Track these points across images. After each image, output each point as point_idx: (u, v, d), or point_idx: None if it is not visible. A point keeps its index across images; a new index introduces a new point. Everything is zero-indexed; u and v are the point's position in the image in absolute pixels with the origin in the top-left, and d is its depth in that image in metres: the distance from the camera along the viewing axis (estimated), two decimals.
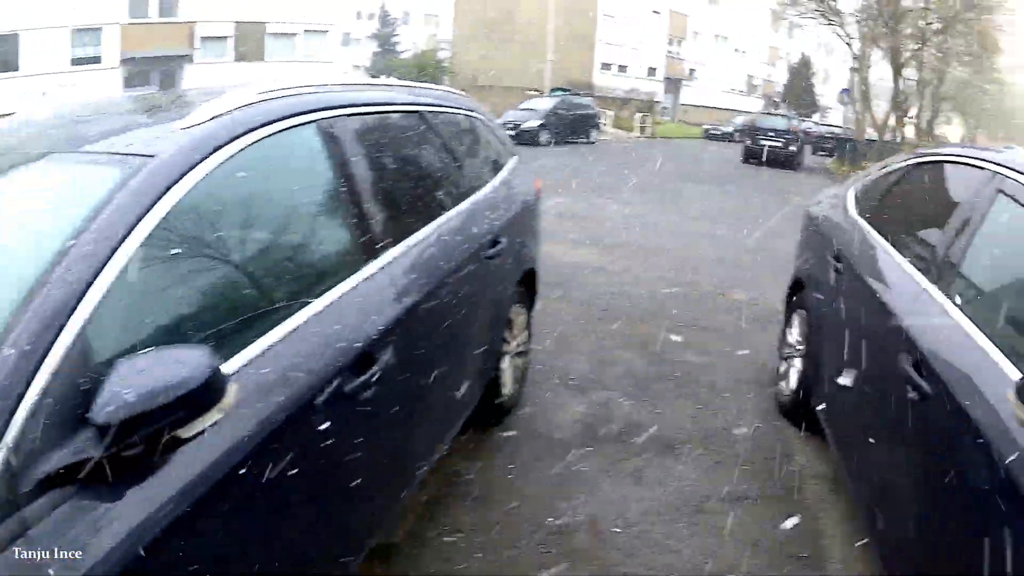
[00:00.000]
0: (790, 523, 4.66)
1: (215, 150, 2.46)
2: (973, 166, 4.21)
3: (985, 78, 65.34)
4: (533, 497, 4.67)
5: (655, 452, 5.35)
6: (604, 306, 8.64)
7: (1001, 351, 2.95)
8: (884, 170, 5.81)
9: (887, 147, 39.43)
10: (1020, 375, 2.51)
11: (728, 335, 8.07)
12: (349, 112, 3.37)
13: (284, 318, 2.52)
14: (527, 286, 5.87)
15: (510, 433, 5.43)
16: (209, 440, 1.97)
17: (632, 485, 4.94)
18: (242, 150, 2.58)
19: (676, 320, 8.37)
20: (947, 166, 4.87)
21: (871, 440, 4.03)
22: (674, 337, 7.74)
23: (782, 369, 6.46)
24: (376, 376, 2.85)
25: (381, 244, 3.24)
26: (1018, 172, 3.60)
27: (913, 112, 57.72)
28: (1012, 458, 2.49)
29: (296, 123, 2.94)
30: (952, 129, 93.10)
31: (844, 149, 41.04)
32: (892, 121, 45.51)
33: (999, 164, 3.86)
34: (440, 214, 4.07)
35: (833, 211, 6.17)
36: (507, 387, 5.47)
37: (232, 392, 2.00)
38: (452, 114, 5.00)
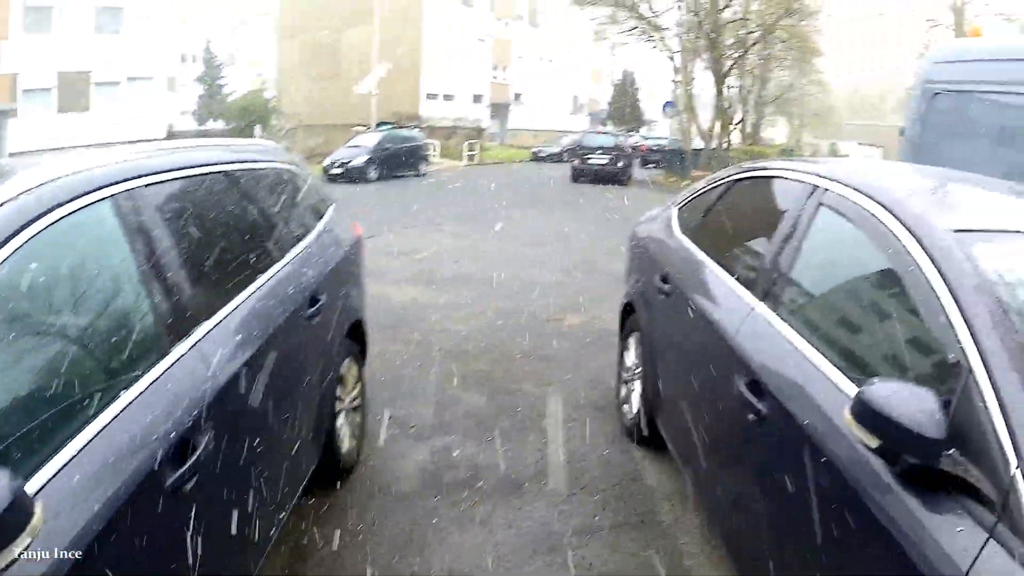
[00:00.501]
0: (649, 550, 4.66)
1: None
2: (794, 180, 4.29)
3: (806, 80, 68.17)
4: (385, 556, 4.52)
5: (504, 493, 5.25)
6: (439, 345, 8.51)
7: (834, 366, 3.00)
8: (705, 188, 5.85)
9: (714, 155, 40.62)
10: (855, 391, 2.52)
11: (566, 362, 8.06)
12: (148, 182, 3.15)
13: (92, 417, 2.34)
14: (355, 338, 5.73)
15: (354, 491, 5.25)
16: (20, 571, 1.79)
17: (484, 531, 4.83)
18: (31, 239, 2.39)
19: (513, 352, 8.33)
20: (768, 181, 4.95)
21: (716, 460, 4.07)
22: (513, 370, 7.70)
23: (623, 392, 6.47)
24: (198, 464, 2.69)
25: (191, 320, 3.06)
26: (839, 184, 3.69)
27: (738, 118, 59.58)
28: (852, 475, 2.55)
29: (90, 201, 2.74)
30: (778, 131, 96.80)
31: (672, 160, 41.97)
32: (718, 129, 46.78)
33: (820, 176, 3.94)
34: (255, 279, 3.89)
35: (658, 231, 6.20)
36: (345, 444, 5.27)
37: (39, 511, 1.83)
38: (261, 169, 4.79)
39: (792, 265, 3.81)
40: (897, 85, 72.54)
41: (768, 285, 3.90)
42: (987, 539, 2.05)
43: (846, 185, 3.63)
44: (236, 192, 4.24)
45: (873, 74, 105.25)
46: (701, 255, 5.05)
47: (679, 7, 42.55)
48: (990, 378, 2.30)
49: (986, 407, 2.25)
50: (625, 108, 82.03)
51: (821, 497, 2.79)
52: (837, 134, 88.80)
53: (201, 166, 3.86)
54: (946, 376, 2.48)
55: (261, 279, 3.97)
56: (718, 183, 5.63)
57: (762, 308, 3.80)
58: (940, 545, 2.13)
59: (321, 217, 5.64)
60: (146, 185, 3.14)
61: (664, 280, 5.42)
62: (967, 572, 2.02)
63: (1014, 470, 2.08)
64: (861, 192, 3.46)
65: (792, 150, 76.66)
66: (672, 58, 45.48)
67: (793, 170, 4.44)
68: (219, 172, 4.08)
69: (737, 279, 4.33)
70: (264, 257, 4.23)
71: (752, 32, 45.96)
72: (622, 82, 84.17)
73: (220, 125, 73.36)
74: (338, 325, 5.11)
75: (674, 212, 6.15)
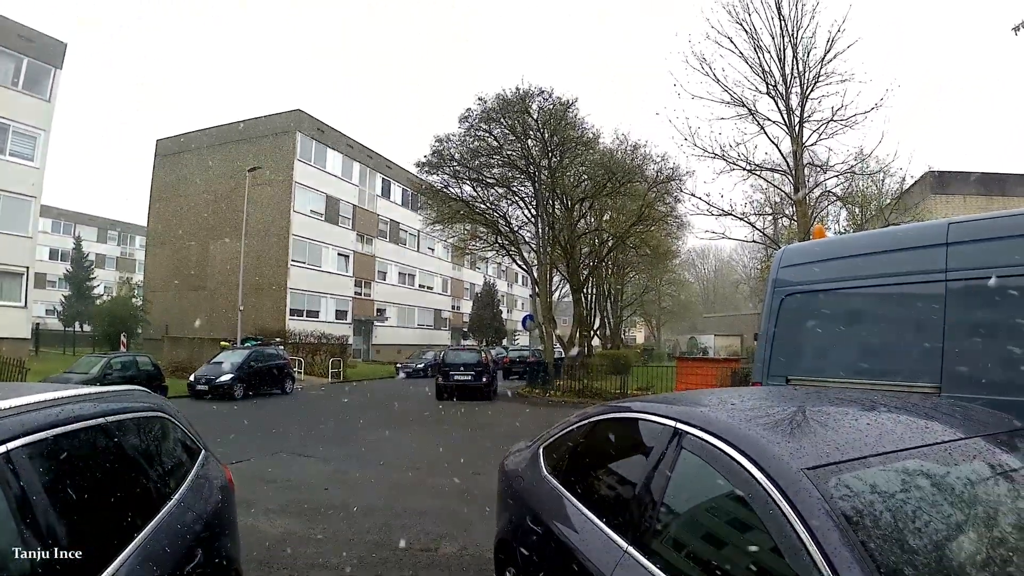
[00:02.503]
0: None
1: None
2: (654, 423, 4.46)
3: (662, 280, 70.37)
4: None
5: None
6: None
7: None
8: (569, 428, 6.00)
9: (576, 363, 41.17)
10: None
11: None
12: (26, 442, 3.21)
13: None
14: None
15: None
16: None
17: None
18: None
19: None
20: (629, 423, 5.11)
21: None
22: None
23: None
24: None
25: None
26: (697, 428, 3.91)
27: (597, 324, 60.85)
28: None
29: None
30: (638, 331, 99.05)
31: (534, 372, 42.34)
32: (578, 336, 47.56)
33: (679, 421, 4.15)
34: (133, 538, 3.87)
35: (526, 470, 6.32)
36: None
37: None
38: (134, 419, 4.77)
39: (658, 508, 4.00)
40: (750, 272, 75.41)
41: (637, 528, 4.05)
42: None
43: (703, 430, 3.86)
44: (111, 447, 4.24)
45: (723, 266, 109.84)
46: (570, 497, 5.18)
47: (535, 222, 43.74)
48: None
49: None
50: (487, 320, 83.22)
51: None
52: (695, 328, 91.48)
53: (77, 420, 3.85)
54: None
55: (139, 539, 3.94)
56: (581, 423, 5.80)
57: (633, 551, 3.94)
58: None
59: (194, 462, 5.63)
60: (24, 446, 3.17)
61: (535, 522, 5.50)
62: None
63: None
64: (718, 436, 3.70)
65: (652, 349, 78.50)
66: (530, 271, 46.46)
67: (653, 413, 4.62)
68: (95, 426, 4.07)
69: (606, 522, 4.46)
70: (142, 513, 4.21)
71: (606, 241, 47.54)
72: (483, 294, 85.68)
73: (86, 328, 72.08)
74: None
75: (540, 451, 6.28)
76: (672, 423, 4.22)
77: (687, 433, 4.00)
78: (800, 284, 7.61)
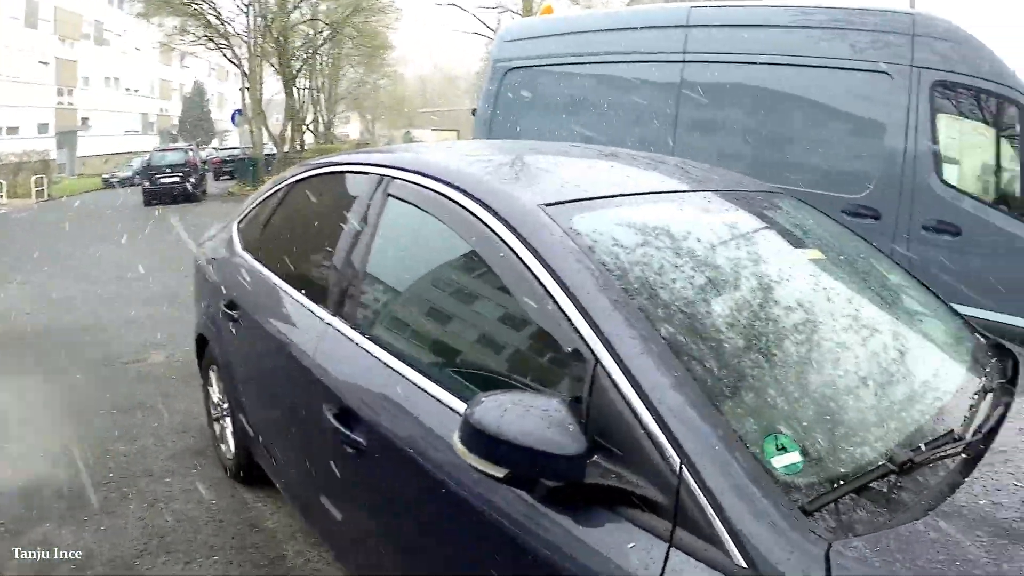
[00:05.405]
0: None
1: None
2: (358, 173, 3.89)
3: (378, 74, 69.90)
4: None
5: None
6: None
7: (432, 380, 2.63)
8: (264, 195, 5.33)
9: (287, 159, 40.59)
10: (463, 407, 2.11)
11: (154, 409, 7.39)
12: None
13: None
14: None
15: None
16: None
17: None
18: None
19: (99, 408, 7.50)
20: (330, 178, 4.46)
21: (326, 499, 3.55)
22: (97, 430, 6.92)
23: (218, 431, 5.96)
24: None
25: None
26: (407, 171, 3.32)
27: (310, 119, 59.92)
28: (488, 508, 2.20)
29: None
30: (352, 127, 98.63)
31: (244, 169, 41.62)
32: (290, 132, 46.73)
33: (386, 166, 3.55)
34: None
35: (220, 251, 5.68)
36: None
37: None
38: None
39: (364, 270, 3.39)
40: (469, 69, 75.80)
41: (341, 296, 3.44)
42: (668, 548, 1.80)
43: (415, 172, 3.26)
44: None
45: (442, 60, 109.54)
46: (266, 273, 4.57)
47: (246, 12, 42.06)
48: (621, 366, 1.97)
49: (626, 400, 1.91)
50: (197, 121, 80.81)
51: (458, 537, 2.47)
52: (412, 123, 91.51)
53: None
54: (569, 372, 2.11)
55: None
56: (276, 188, 5.14)
57: (338, 323, 3.36)
58: (616, 567, 1.84)
59: None
60: None
61: (230, 306, 4.89)
62: None
63: (678, 467, 1.78)
64: (431, 176, 3.11)
65: (367, 143, 78.36)
66: (240, 65, 44.77)
67: (357, 163, 4.02)
68: None
69: (307, 294, 3.86)
70: None
71: (321, 32, 46.40)
72: (193, 95, 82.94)
73: None
74: None
75: (235, 228, 5.61)
76: (378, 170, 3.60)
77: (395, 179, 3.38)
78: (525, 59, 7.27)
